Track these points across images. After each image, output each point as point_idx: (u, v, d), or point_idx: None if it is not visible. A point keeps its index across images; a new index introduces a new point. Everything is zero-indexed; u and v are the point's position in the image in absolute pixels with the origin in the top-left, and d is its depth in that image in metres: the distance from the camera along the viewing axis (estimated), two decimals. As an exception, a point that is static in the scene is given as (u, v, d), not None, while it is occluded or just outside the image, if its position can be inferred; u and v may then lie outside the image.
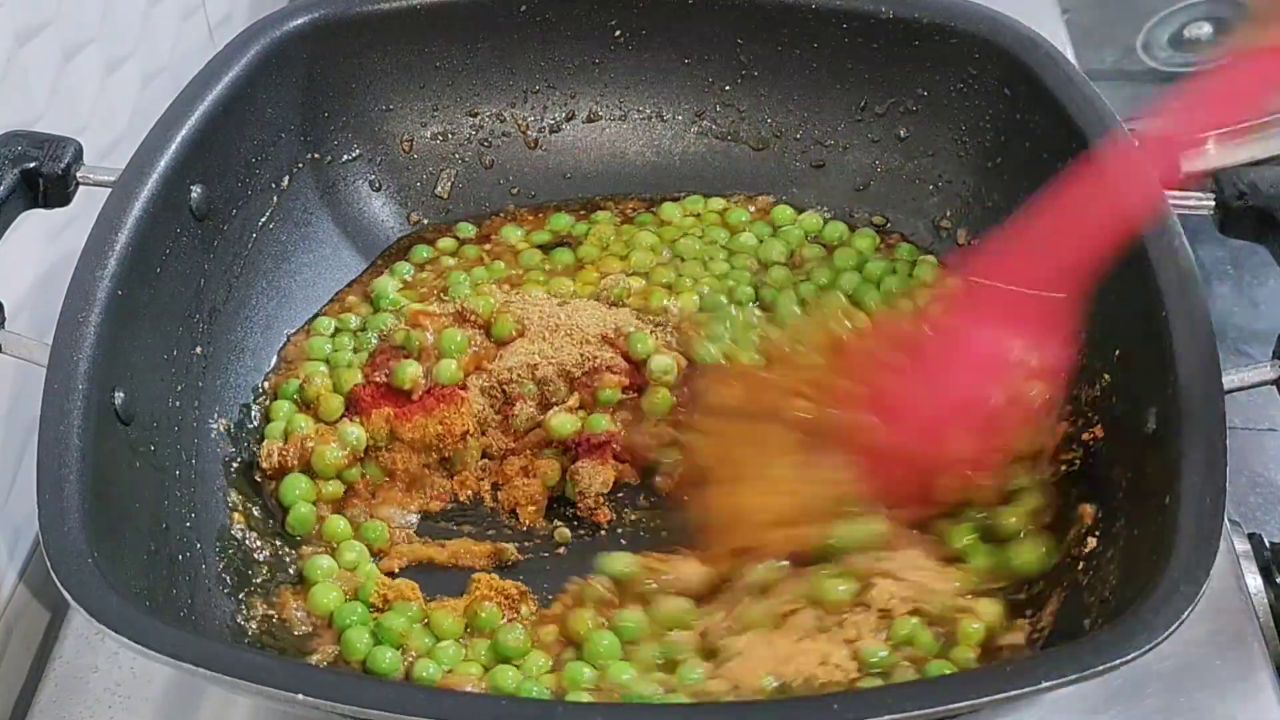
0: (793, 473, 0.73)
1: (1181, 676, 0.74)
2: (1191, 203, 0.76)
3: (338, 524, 0.78)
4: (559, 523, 0.79)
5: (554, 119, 0.97)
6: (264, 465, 0.79)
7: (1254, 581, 0.79)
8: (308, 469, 0.79)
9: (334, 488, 0.79)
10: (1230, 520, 0.80)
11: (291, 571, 0.76)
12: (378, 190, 0.94)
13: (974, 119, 0.89)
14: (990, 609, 0.70)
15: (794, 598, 0.71)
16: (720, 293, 0.88)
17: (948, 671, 0.67)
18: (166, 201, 0.76)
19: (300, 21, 0.87)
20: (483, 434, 0.81)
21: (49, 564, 0.61)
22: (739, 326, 0.85)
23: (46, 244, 0.83)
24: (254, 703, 0.74)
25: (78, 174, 0.76)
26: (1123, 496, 0.70)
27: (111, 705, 0.75)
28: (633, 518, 0.79)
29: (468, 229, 0.95)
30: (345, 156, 0.93)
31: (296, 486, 0.78)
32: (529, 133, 0.97)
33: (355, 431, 0.79)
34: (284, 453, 0.79)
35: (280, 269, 0.88)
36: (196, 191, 0.79)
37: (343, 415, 0.81)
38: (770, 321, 0.86)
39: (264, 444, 0.80)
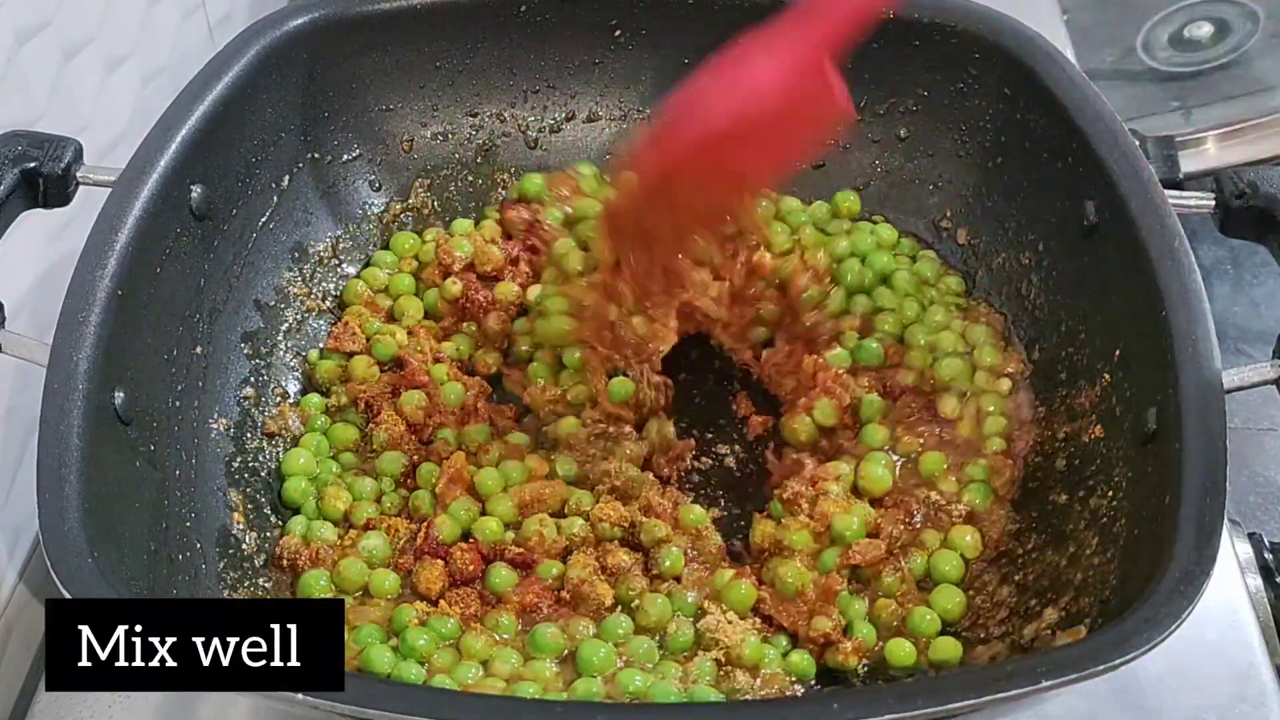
0: None
1: (1182, 676, 0.74)
2: (1191, 203, 0.76)
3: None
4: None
5: (554, 119, 0.97)
6: (282, 561, 0.77)
7: (1254, 581, 0.79)
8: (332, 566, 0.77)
9: (353, 600, 0.76)
10: (1230, 520, 0.80)
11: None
12: (378, 190, 0.94)
13: (974, 119, 0.89)
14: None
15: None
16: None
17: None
18: (166, 201, 0.76)
19: (300, 21, 0.87)
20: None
21: (49, 564, 0.61)
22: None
23: (46, 244, 0.83)
24: (254, 702, 0.74)
25: (78, 174, 0.76)
26: (1123, 496, 0.70)
27: (111, 705, 0.74)
28: None
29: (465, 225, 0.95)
30: (345, 156, 0.93)
31: (317, 582, 0.76)
32: (529, 133, 0.97)
33: (376, 543, 0.77)
34: (297, 554, 0.77)
35: (280, 269, 0.88)
36: (196, 191, 0.79)
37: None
38: None
39: (284, 538, 0.78)
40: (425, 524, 0.78)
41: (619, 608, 0.74)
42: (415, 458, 0.82)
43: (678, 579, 0.75)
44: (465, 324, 0.90)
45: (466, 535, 0.78)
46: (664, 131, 0.74)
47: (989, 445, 0.80)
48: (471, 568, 0.76)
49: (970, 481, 0.79)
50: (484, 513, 0.79)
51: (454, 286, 0.89)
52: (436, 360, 0.87)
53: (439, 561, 0.76)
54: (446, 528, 0.77)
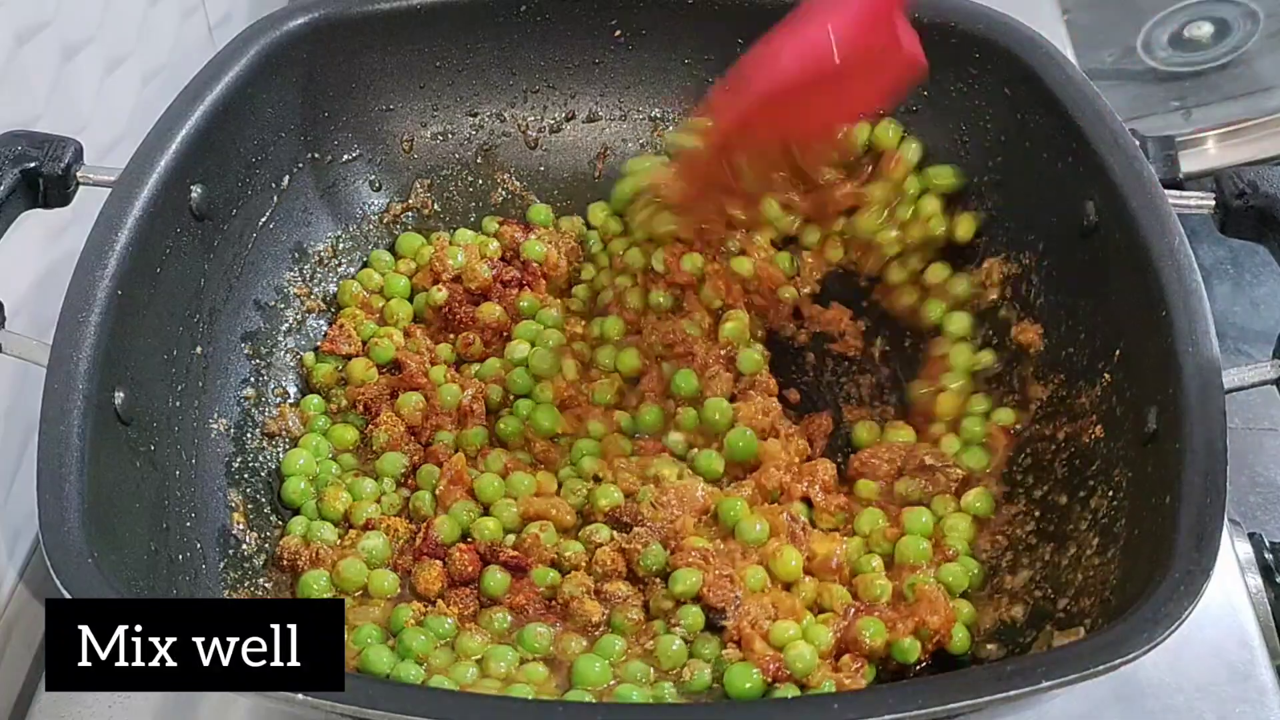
0: None
1: (1182, 676, 0.74)
2: (1191, 203, 0.76)
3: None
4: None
5: (554, 119, 0.97)
6: (283, 560, 0.77)
7: (1254, 581, 0.79)
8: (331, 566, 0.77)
9: (352, 601, 0.76)
10: (1230, 520, 0.80)
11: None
12: (378, 190, 0.94)
13: (974, 119, 0.89)
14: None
15: None
16: None
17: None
18: (166, 201, 0.76)
19: (300, 21, 0.87)
20: None
21: (49, 564, 0.61)
22: None
23: (46, 244, 0.83)
24: (254, 702, 0.74)
25: (78, 174, 0.76)
26: (1123, 496, 0.70)
27: (111, 705, 0.75)
28: None
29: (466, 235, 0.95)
30: (345, 156, 0.93)
31: (317, 582, 0.76)
32: (529, 133, 0.97)
33: (376, 543, 0.77)
34: (297, 554, 0.77)
35: (280, 269, 0.88)
36: (196, 191, 0.79)
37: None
38: None
39: (284, 538, 0.78)
40: (425, 524, 0.78)
41: (608, 628, 0.73)
42: (415, 459, 0.82)
43: (697, 598, 0.73)
44: (450, 335, 0.89)
45: (466, 536, 0.78)
46: (737, 87, 0.78)
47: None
48: (470, 569, 0.76)
49: (966, 445, 0.81)
50: (486, 513, 0.79)
51: (439, 294, 0.89)
52: (434, 362, 0.87)
53: (437, 562, 0.76)
54: (446, 528, 0.77)
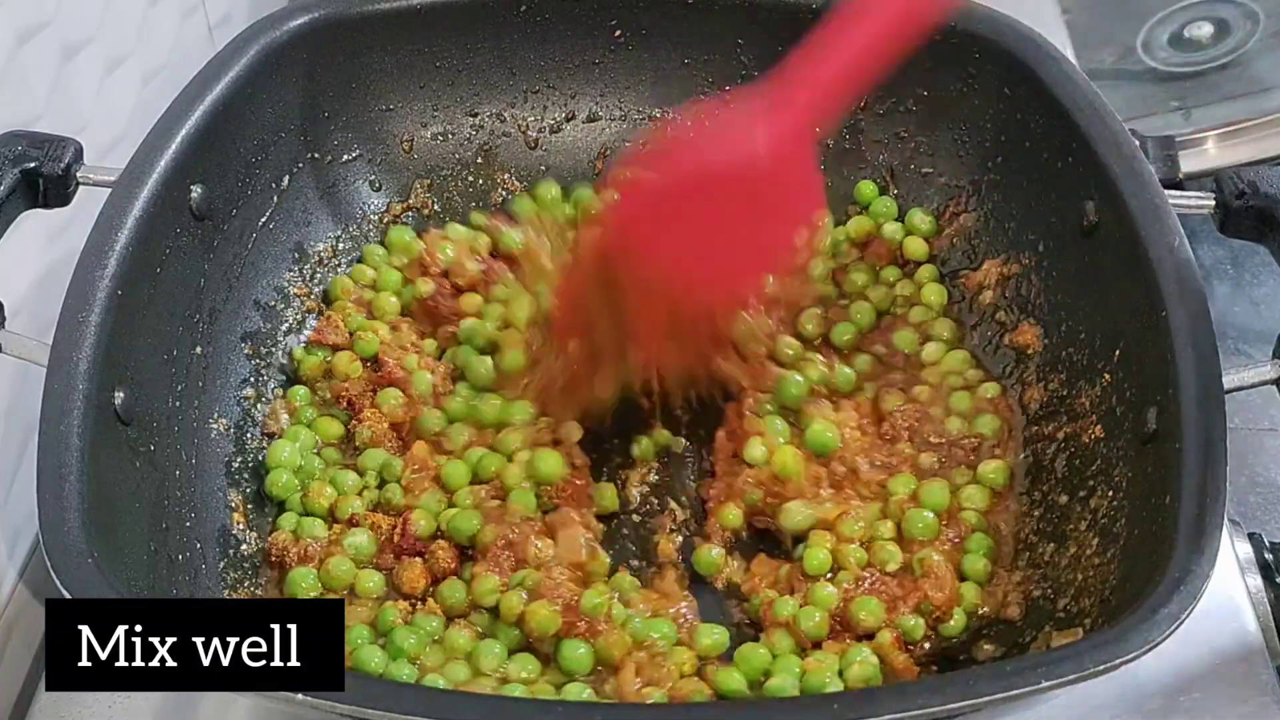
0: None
1: (1182, 676, 0.74)
2: (1191, 203, 0.76)
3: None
4: None
5: (554, 119, 0.97)
6: (272, 557, 0.77)
7: (1254, 581, 0.79)
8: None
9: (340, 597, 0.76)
10: (1230, 520, 0.80)
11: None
12: (378, 190, 0.94)
13: (974, 119, 0.89)
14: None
15: None
16: None
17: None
18: (166, 201, 0.76)
19: (300, 21, 0.87)
20: None
21: (49, 564, 0.61)
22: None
23: (46, 244, 0.83)
24: (254, 702, 0.74)
25: (78, 174, 0.76)
26: (1123, 496, 0.70)
27: (111, 705, 0.75)
28: None
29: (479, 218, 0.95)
30: (345, 156, 0.93)
31: (305, 579, 0.76)
32: (529, 133, 0.97)
33: (361, 540, 0.77)
34: (284, 550, 0.77)
35: (280, 269, 0.88)
36: (196, 191, 0.79)
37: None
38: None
39: (273, 534, 0.78)
40: (402, 519, 0.78)
41: None
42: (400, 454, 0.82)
43: None
44: (435, 329, 0.89)
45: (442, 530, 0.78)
46: (646, 161, 0.72)
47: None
48: (450, 565, 0.76)
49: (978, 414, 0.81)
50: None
51: (425, 286, 0.88)
52: (416, 353, 0.87)
53: (418, 559, 0.76)
54: (422, 523, 0.77)
